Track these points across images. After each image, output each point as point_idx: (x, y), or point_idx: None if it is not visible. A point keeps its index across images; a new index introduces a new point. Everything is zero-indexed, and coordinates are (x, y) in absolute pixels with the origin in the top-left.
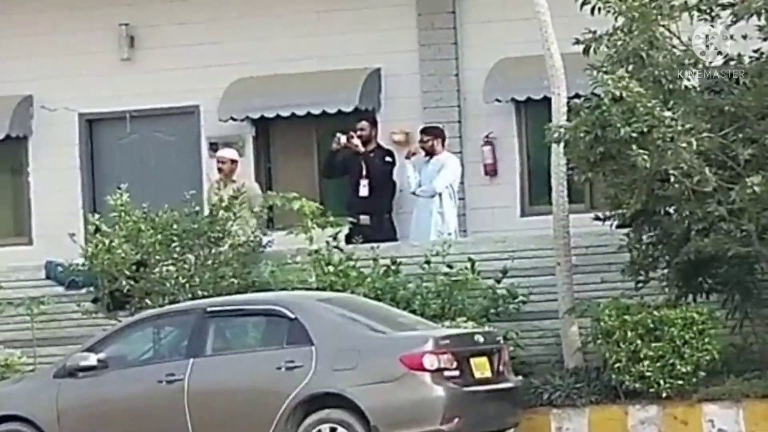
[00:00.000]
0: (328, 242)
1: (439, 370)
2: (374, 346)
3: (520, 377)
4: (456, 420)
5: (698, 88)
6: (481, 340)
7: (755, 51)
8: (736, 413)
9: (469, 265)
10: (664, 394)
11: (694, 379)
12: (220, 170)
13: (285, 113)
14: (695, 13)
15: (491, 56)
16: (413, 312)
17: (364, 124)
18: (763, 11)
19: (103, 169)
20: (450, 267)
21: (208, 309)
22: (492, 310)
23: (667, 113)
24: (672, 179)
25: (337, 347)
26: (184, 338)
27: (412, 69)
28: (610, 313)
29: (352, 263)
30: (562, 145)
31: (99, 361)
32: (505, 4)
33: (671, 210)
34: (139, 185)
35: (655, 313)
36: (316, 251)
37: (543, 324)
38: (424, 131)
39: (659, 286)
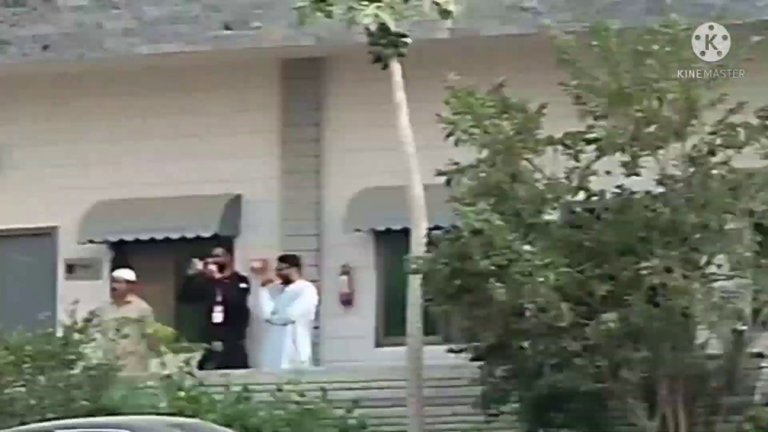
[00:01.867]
0: (180, 367)
1: None
2: None
3: None
4: None
5: (559, 223)
6: None
7: (617, 187)
8: None
9: (320, 393)
10: None
11: None
12: (114, 290)
13: (144, 237)
14: (560, 148)
15: (353, 186)
16: None
17: (219, 250)
18: (627, 147)
19: None
20: (302, 395)
21: (56, 431)
22: None
23: (526, 247)
24: (528, 313)
25: None
26: None
27: (273, 196)
28: None
29: (203, 389)
30: (419, 276)
31: None
32: (369, 134)
33: (525, 344)
34: None
35: None
36: (168, 376)
37: None
38: (281, 259)
39: (510, 421)
